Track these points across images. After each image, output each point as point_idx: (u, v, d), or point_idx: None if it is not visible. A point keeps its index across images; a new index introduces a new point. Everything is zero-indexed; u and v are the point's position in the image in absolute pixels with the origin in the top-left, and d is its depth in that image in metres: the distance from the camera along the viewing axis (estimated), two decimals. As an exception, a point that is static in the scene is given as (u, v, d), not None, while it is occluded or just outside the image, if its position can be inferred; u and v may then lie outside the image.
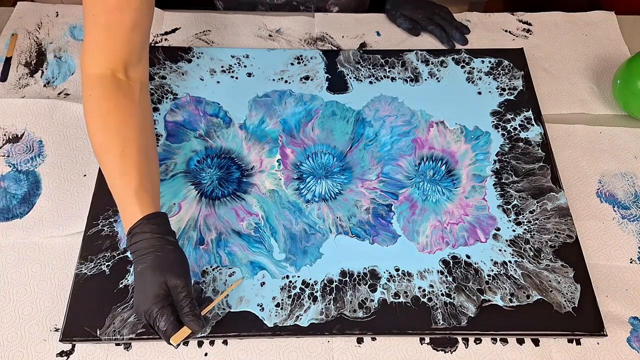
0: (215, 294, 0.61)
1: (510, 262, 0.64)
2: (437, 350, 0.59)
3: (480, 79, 0.80)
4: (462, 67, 0.81)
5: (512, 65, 0.81)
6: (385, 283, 0.62)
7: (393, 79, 0.80)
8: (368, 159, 0.72)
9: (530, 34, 0.88)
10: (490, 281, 0.62)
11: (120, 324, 0.58)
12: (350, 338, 0.60)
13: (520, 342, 0.60)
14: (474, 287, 0.62)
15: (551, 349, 0.60)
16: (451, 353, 0.59)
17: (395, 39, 0.87)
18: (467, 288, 0.62)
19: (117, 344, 0.59)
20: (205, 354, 0.59)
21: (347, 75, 0.80)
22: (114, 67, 0.59)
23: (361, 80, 0.79)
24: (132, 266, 0.54)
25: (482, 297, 0.61)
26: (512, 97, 0.78)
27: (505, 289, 0.62)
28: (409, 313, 0.60)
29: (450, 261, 0.64)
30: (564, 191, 0.69)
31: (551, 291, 0.61)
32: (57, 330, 0.59)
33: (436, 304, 0.61)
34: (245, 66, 0.80)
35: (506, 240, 0.65)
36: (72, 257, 0.64)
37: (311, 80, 0.79)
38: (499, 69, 0.81)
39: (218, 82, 0.78)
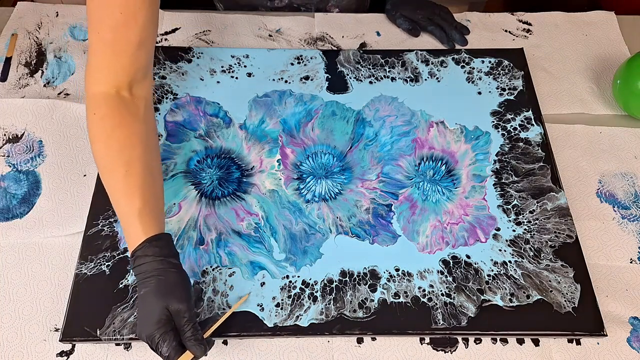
0: (216, 294, 0.61)
1: (510, 262, 0.64)
2: (437, 350, 0.59)
3: (480, 79, 0.80)
4: (462, 67, 0.81)
5: (512, 65, 0.81)
6: (385, 283, 0.62)
7: (393, 79, 0.80)
8: (368, 159, 0.72)
9: (530, 34, 0.88)
10: (490, 281, 0.62)
11: (120, 324, 0.58)
12: (350, 338, 0.60)
13: (520, 342, 0.60)
14: (474, 287, 0.62)
15: (551, 349, 0.60)
16: (451, 353, 0.59)
17: (395, 39, 0.87)
18: (467, 288, 0.62)
19: (117, 344, 0.59)
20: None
21: (347, 75, 0.80)
22: (119, 85, 0.59)
23: (361, 80, 0.79)
24: (137, 288, 0.54)
25: (482, 297, 0.61)
26: (512, 97, 0.78)
27: (505, 289, 0.62)
28: (409, 313, 0.60)
29: (450, 261, 0.64)
30: (564, 191, 0.69)
31: (551, 291, 0.61)
32: (57, 330, 0.59)
33: (436, 304, 0.61)
34: (245, 66, 0.80)
35: (506, 240, 0.65)
36: (72, 257, 0.64)
37: (311, 80, 0.79)
38: (499, 69, 0.81)
39: (218, 82, 0.78)
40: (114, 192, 0.56)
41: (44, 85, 0.78)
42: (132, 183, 0.55)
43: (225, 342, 0.59)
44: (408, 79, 0.80)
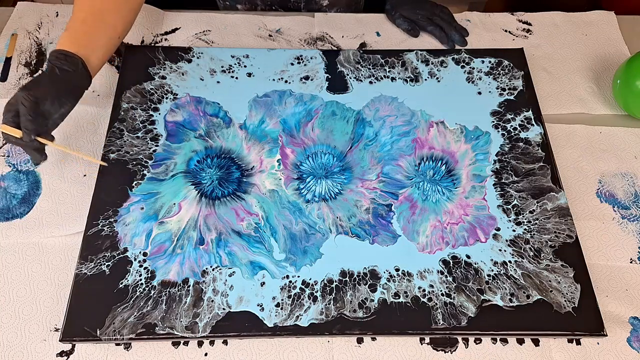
0: (216, 294, 0.61)
1: (510, 262, 0.64)
2: (437, 350, 0.59)
3: (480, 79, 0.80)
4: (462, 67, 0.81)
5: (512, 65, 0.81)
6: (385, 283, 0.62)
7: (393, 79, 0.80)
8: (368, 159, 0.72)
9: (530, 34, 0.88)
10: (490, 281, 0.62)
11: (120, 324, 0.58)
12: (350, 338, 0.60)
13: (520, 342, 0.60)
14: (474, 287, 0.62)
15: (551, 349, 0.60)
16: (451, 353, 0.59)
17: (395, 39, 0.87)
18: (467, 288, 0.62)
19: (117, 344, 0.59)
20: (205, 354, 0.59)
21: (347, 75, 0.80)
22: None
23: (361, 80, 0.79)
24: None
25: (482, 297, 0.61)
26: (512, 97, 0.78)
27: (505, 289, 0.62)
28: (409, 313, 0.60)
29: (450, 261, 0.64)
30: (564, 191, 0.69)
31: (551, 291, 0.61)
32: (57, 330, 0.60)
33: (436, 304, 0.61)
34: (245, 66, 0.80)
35: (506, 240, 0.65)
36: (72, 257, 0.64)
37: (311, 80, 0.79)
38: (499, 69, 0.81)
39: (218, 82, 0.78)
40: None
41: (44, 85, 0.78)
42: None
43: (225, 342, 0.59)
44: (408, 79, 0.80)
